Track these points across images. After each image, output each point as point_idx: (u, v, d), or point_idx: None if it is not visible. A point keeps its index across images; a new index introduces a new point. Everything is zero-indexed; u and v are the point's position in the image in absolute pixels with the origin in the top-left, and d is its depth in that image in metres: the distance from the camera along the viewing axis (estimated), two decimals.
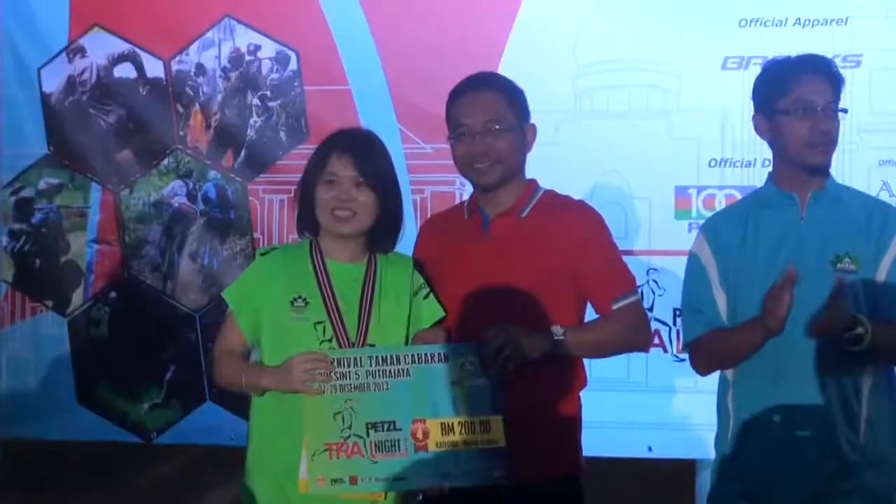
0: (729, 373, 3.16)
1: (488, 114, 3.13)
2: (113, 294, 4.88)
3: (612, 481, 4.71)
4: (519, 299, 3.09)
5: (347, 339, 2.99)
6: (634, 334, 3.21)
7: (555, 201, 3.24)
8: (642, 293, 4.30)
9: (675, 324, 4.41)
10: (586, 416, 3.27)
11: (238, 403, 4.22)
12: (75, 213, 4.88)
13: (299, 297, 3.01)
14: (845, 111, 3.10)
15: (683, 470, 4.66)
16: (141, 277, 4.87)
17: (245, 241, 4.76)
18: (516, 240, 3.14)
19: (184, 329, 4.81)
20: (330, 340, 2.98)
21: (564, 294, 3.14)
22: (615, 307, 3.15)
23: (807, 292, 2.90)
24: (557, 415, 3.15)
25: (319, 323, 2.99)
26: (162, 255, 4.84)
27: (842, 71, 3.17)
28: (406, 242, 3.24)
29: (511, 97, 3.18)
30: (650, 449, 4.48)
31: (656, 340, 4.38)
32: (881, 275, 3.01)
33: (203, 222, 4.82)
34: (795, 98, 3.02)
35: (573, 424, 3.21)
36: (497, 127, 3.12)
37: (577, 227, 3.17)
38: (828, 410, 3.00)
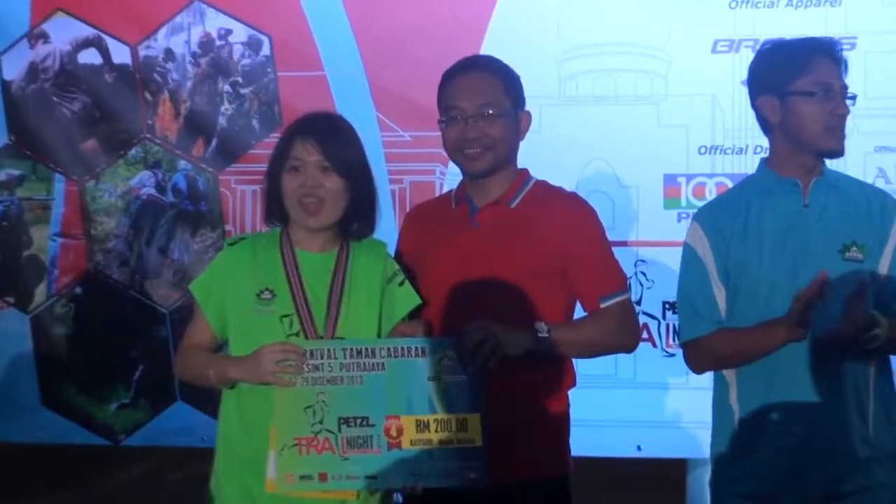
0: (728, 372, 3.15)
1: (481, 97, 3.12)
2: (78, 290, 4.86)
3: (599, 482, 4.71)
4: (505, 292, 3.08)
5: (315, 334, 2.98)
6: (621, 335, 3.20)
7: (546, 192, 3.24)
8: (630, 286, 4.24)
9: (664, 318, 4.42)
10: (572, 414, 3.26)
11: (210, 403, 4.27)
12: (38, 205, 4.86)
13: (266, 289, 3.00)
14: (854, 97, 3.10)
15: (674, 469, 4.66)
16: (107, 272, 4.85)
17: (216, 233, 4.75)
18: (505, 231, 3.14)
19: (153, 326, 4.79)
20: (297, 335, 2.97)
21: (553, 289, 3.13)
22: (603, 305, 3.14)
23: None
24: (545, 414, 3.15)
25: (286, 316, 2.98)
26: (130, 248, 4.83)
27: None
28: (384, 235, 3.21)
29: (506, 82, 3.18)
30: (639, 448, 4.47)
31: (645, 335, 4.37)
32: (884, 264, 3.05)
33: (173, 214, 4.80)
34: (815, 80, 3.02)
35: (561, 424, 3.21)
36: (490, 112, 3.11)
37: (568, 219, 3.16)
38: (840, 405, 3.01)
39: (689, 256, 3.17)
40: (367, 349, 2.91)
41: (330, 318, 2.99)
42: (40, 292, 4.86)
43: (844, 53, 3.17)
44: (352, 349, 2.90)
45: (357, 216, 3.07)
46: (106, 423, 4.83)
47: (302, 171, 3.00)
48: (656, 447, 4.47)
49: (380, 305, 3.07)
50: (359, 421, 2.86)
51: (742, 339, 3.06)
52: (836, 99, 3.02)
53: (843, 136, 3.06)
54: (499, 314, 2.99)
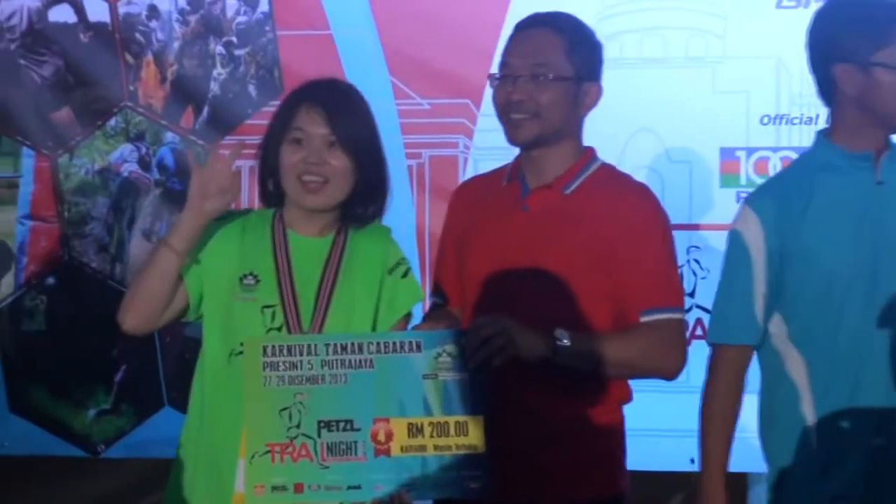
0: (798, 375, 3.06)
1: (537, 56, 3.02)
2: (50, 280, 4.87)
3: (647, 498, 4.61)
4: (546, 291, 2.99)
5: (300, 328, 2.93)
6: (661, 359, 3.08)
7: (610, 179, 3.14)
8: (682, 275, 4.24)
9: None
10: None
11: None
12: (3, 183, 4.92)
13: (251, 273, 2.94)
14: None
15: (733, 485, 4.54)
16: (84, 260, 4.86)
17: None
18: (555, 220, 3.06)
19: None
20: (279, 329, 2.92)
21: (600, 292, 3.02)
22: (643, 320, 3.04)
23: (892, 272, 2.89)
24: (590, 426, 3.07)
25: (269, 307, 2.92)
26: (109, 233, 4.83)
27: None
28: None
29: (574, 43, 3.06)
30: (693, 461, 4.25)
31: (699, 332, 4.32)
32: None
33: (158, 194, 4.81)
34: None
35: (610, 438, 3.14)
36: (548, 75, 3.00)
37: (627, 213, 3.05)
38: None
39: (735, 245, 3.09)
40: (352, 344, 2.83)
41: (318, 312, 2.95)
42: (7, 283, 4.87)
43: None
44: (336, 345, 2.85)
45: (362, 200, 3.01)
46: (83, 431, 4.84)
47: (305, 145, 2.93)
48: None
49: (377, 299, 3.03)
50: (342, 424, 2.78)
51: (709, 440, 3.25)
52: None
53: None
54: (537, 310, 2.92)
